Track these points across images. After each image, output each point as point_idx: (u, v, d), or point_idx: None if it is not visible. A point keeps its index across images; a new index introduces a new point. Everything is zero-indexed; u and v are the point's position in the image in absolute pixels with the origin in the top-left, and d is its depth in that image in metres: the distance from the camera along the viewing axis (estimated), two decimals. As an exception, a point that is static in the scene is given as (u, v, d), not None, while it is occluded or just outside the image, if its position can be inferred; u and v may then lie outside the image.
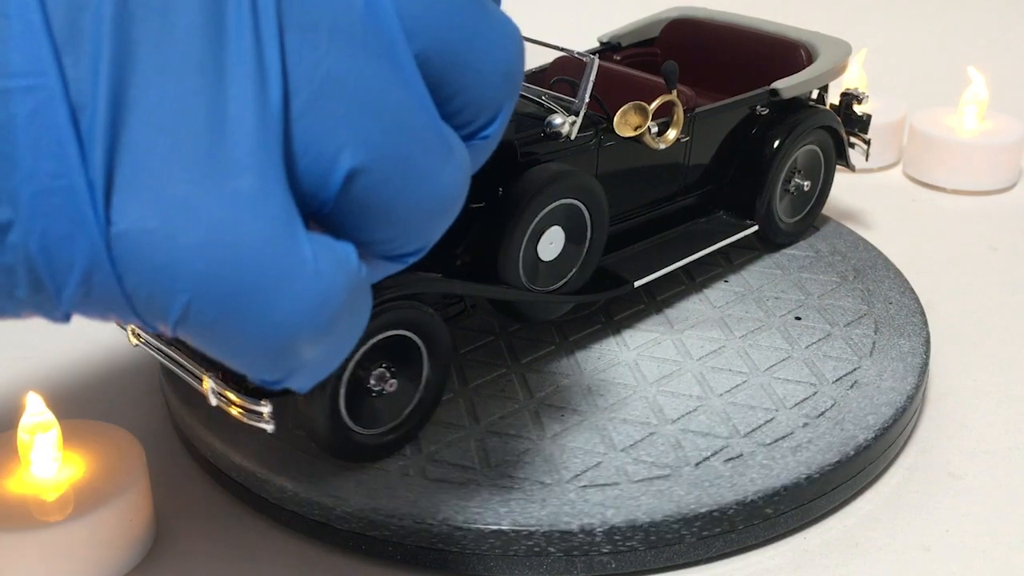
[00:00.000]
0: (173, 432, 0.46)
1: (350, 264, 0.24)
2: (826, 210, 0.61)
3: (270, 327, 0.22)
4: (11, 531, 0.36)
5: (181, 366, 0.39)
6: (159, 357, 0.40)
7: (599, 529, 0.37)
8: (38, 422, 0.38)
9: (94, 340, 0.51)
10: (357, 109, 0.23)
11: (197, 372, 0.38)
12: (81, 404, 0.47)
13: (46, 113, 0.20)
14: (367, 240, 0.24)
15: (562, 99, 0.43)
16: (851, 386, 0.45)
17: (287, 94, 0.22)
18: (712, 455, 0.40)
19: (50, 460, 0.38)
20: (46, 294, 0.21)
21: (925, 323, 0.49)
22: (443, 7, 0.24)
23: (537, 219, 0.42)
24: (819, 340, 0.48)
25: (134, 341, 0.41)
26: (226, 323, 0.22)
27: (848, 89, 0.59)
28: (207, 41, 0.22)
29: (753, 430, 0.42)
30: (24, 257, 0.21)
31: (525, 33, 0.42)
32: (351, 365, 0.38)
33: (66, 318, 0.22)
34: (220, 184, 0.21)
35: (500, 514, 0.37)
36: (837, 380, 0.45)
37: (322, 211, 0.23)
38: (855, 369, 0.46)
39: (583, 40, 0.54)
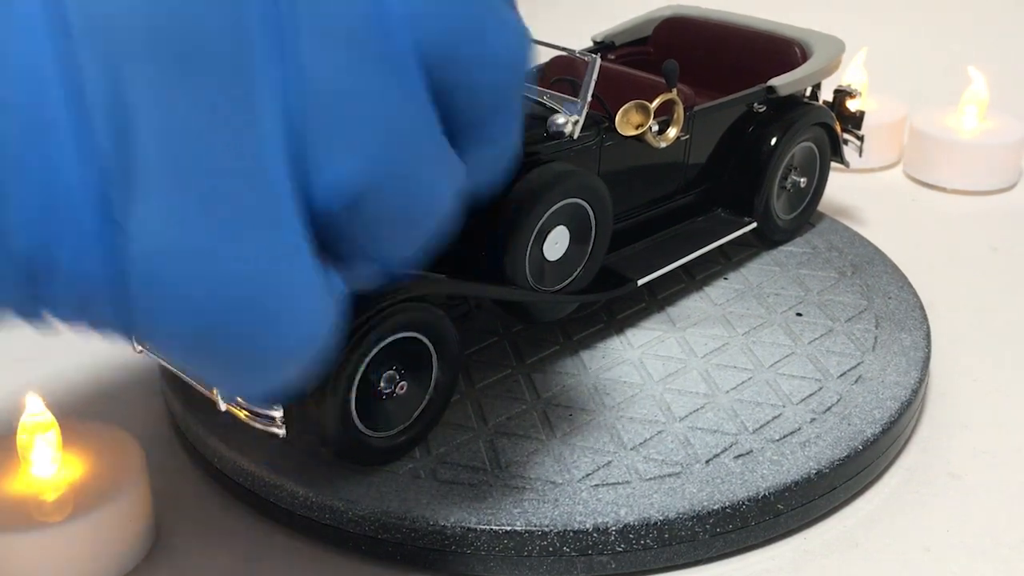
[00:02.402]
0: (173, 433, 0.45)
1: (341, 295, 0.23)
2: (826, 209, 0.61)
3: (270, 351, 0.22)
4: (11, 531, 0.35)
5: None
6: (163, 362, 0.40)
7: (613, 528, 0.37)
8: (38, 422, 0.37)
9: (93, 341, 0.51)
10: (367, 124, 0.22)
11: None
12: (81, 404, 0.46)
13: (50, 129, 0.19)
14: (357, 247, 0.24)
15: (564, 99, 0.43)
16: (855, 381, 0.45)
17: (303, 107, 0.21)
18: (722, 452, 0.40)
19: (50, 460, 0.37)
20: (41, 298, 0.21)
21: (925, 317, 0.50)
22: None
23: (542, 220, 0.42)
24: (821, 336, 0.48)
25: (138, 347, 0.40)
26: (226, 344, 0.21)
27: (841, 86, 0.59)
28: (233, 44, 0.20)
29: (761, 426, 0.42)
30: (24, 260, 0.20)
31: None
32: (361, 368, 0.37)
33: (47, 324, 0.22)
34: (246, 203, 0.21)
35: (513, 515, 0.37)
36: (841, 375, 0.45)
37: (321, 222, 0.23)
38: (858, 364, 0.46)
39: (576, 39, 0.54)
